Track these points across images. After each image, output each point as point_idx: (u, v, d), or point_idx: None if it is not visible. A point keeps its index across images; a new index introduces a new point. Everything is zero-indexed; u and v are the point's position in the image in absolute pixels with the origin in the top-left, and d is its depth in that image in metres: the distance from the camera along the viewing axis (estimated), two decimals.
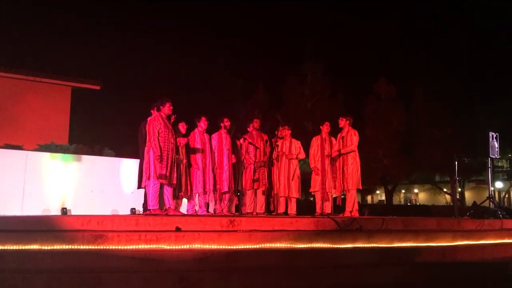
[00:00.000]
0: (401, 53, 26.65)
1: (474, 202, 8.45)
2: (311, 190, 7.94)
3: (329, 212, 7.57)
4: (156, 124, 6.39)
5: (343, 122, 7.72)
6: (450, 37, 23.46)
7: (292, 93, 24.01)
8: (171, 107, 6.60)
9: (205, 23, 35.73)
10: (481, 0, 27.26)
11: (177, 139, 6.78)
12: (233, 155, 7.62)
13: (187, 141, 7.11)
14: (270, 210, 7.89)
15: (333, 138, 7.82)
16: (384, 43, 30.84)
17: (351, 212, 7.51)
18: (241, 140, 7.89)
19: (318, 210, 7.76)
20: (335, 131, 7.90)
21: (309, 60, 24.08)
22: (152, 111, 7.05)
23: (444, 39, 23.49)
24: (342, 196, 7.90)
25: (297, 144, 7.96)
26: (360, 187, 7.69)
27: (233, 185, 7.57)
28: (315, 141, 7.90)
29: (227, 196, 7.60)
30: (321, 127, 7.98)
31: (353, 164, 7.57)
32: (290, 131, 7.99)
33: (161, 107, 6.57)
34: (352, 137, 7.60)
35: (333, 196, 7.77)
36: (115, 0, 33.72)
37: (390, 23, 34.66)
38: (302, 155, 7.94)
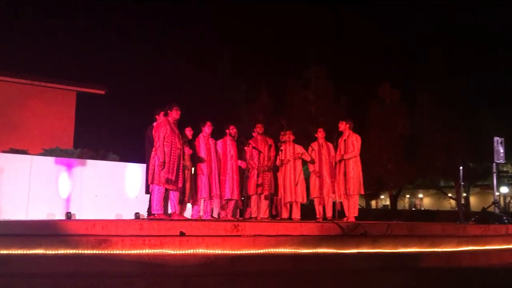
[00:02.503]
0: (405, 57, 26.63)
1: (483, 208, 8.41)
2: (311, 196, 7.95)
3: (330, 216, 7.57)
4: (163, 129, 6.39)
5: (343, 126, 7.70)
6: (455, 41, 23.39)
7: (296, 97, 23.99)
8: (179, 112, 6.60)
9: (208, 28, 35.86)
10: (486, 3, 27.20)
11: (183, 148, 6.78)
12: (241, 161, 7.63)
13: (192, 152, 7.14)
14: (274, 215, 7.89)
15: (330, 144, 7.84)
16: (388, 47, 30.84)
17: (355, 217, 7.50)
18: (246, 145, 7.90)
19: (318, 215, 7.77)
20: (338, 135, 7.89)
21: (313, 65, 24.07)
22: (156, 116, 7.07)
23: (449, 43, 23.39)
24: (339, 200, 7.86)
25: (300, 149, 7.97)
26: (362, 192, 7.66)
27: (238, 193, 7.55)
28: (314, 147, 7.92)
29: (232, 202, 7.60)
30: (315, 134, 8.00)
31: (354, 169, 7.55)
32: (293, 137, 8.00)
33: (168, 111, 6.57)
34: (353, 142, 7.58)
35: (334, 201, 7.77)
36: (121, 6, 33.94)
37: (394, 27, 34.72)
38: (307, 157, 7.93)
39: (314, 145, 7.94)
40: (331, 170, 7.76)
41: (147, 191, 6.98)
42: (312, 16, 36.43)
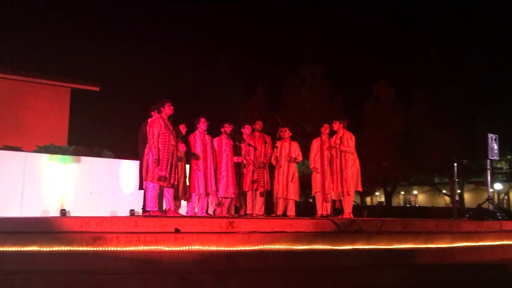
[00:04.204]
0: (400, 55, 26.65)
1: (479, 205, 8.50)
2: (313, 192, 7.97)
3: (329, 213, 7.58)
4: (157, 126, 6.36)
5: (336, 126, 7.75)
6: (450, 39, 23.46)
7: (291, 95, 24.00)
8: (172, 107, 6.58)
9: (204, 26, 35.77)
10: (483, 3, 27.27)
11: (177, 144, 6.77)
12: (237, 156, 7.66)
13: (186, 148, 7.13)
14: (269, 212, 7.90)
15: (332, 140, 7.84)
16: (383, 46, 30.86)
17: (350, 214, 7.53)
18: (242, 142, 7.91)
19: (318, 211, 7.77)
20: (333, 132, 7.91)
21: (308, 63, 24.08)
22: (152, 112, 7.05)
23: (443, 41, 23.45)
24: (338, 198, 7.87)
25: (296, 146, 7.99)
26: (360, 189, 7.69)
27: (234, 190, 7.55)
28: (315, 143, 7.94)
29: (227, 200, 7.61)
30: (321, 129, 8.01)
31: (353, 167, 7.58)
32: (290, 133, 8.01)
33: (161, 108, 6.55)
34: (348, 141, 7.61)
35: (332, 199, 7.78)
36: (115, 2, 33.75)
37: (389, 26, 34.72)
38: (300, 158, 7.97)
39: (317, 140, 7.93)
40: (331, 166, 7.77)
41: (141, 187, 6.98)
42: (308, 14, 36.44)
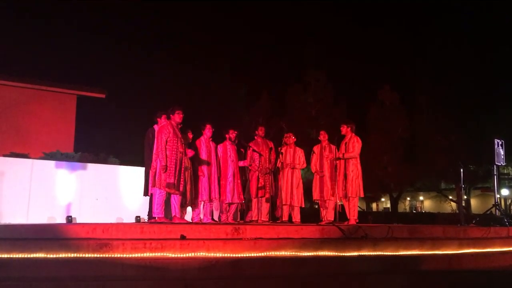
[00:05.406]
0: (404, 60, 26.63)
1: (488, 211, 8.46)
2: (314, 199, 8.00)
3: (331, 219, 7.57)
4: (166, 132, 6.40)
5: (344, 129, 7.74)
6: (455, 43, 23.42)
7: (296, 100, 24.03)
8: (181, 115, 6.63)
9: (208, 32, 35.94)
10: (486, 5, 27.24)
11: (185, 151, 6.80)
12: (242, 161, 7.67)
13: (194, 153, 7.15)
14: (275, 218, 7.90)
15: (333, 146, 7.85)
16: (387, 50, 30.86)
17: (355, 220, 7.50)
18: (247, 148, 7.93)
19: (324, 218, 7.77)
20: (339, 138, 7.90)
21: (312, 68, 24.13)
22: (158, 119, 7.08)
23: (448, 45, 23.41)
24: (340, 203, 7.85)
25: (301, 153, 7.99)
26: (362, 195, 7.66)
27: (239, 196, 7.56)
28: (316, 149, 7.98)
29: (233, 206, 7.61)
30: (319, 137, 8.03)
31: (354, 171, 7.56)
32: (295, 139, 8.03)
33: (171, 115, 6.59)
34: (354, 144, 7.60)
35: (337, 204, 7.76)
36: (121, 10, 33.99)
37: (394, 30, 34.77)
38: (304, 165, 7.99)
39: (317, 147, 7.96)
40: (332, 172, 7.77)
41: (145, 194, 6.99)
42: (311, 19, 36.54)
